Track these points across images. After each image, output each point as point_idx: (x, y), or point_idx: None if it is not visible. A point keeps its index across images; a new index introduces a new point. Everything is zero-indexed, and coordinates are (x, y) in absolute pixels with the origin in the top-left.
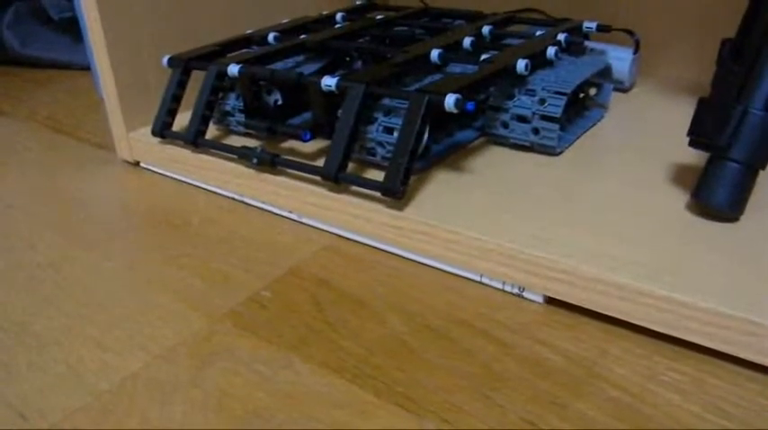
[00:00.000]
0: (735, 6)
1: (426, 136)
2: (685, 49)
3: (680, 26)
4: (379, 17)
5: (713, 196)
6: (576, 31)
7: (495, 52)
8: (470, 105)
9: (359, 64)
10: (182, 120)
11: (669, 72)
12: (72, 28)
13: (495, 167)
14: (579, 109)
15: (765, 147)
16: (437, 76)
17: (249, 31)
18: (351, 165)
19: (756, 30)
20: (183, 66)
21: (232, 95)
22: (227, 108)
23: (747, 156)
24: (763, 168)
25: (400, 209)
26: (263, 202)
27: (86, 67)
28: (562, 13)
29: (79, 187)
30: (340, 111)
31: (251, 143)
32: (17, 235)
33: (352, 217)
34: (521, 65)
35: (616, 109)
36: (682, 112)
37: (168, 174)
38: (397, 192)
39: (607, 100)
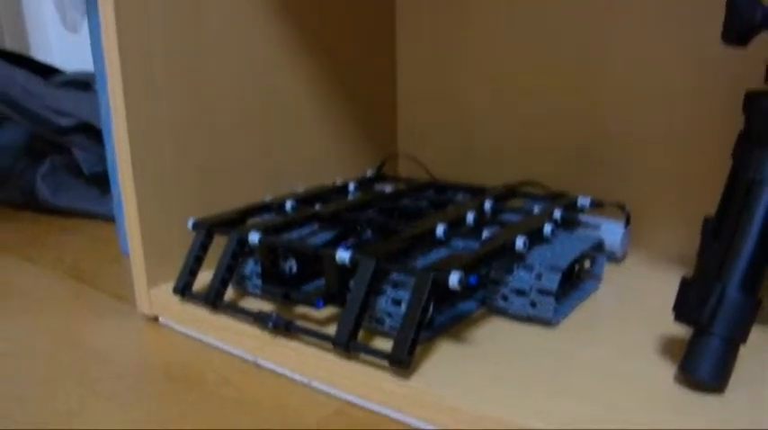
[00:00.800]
0: (721, 182)
1: (431, 308)
2: (675, 221)
3: (669, 200)
4: (387, 189)
5: (698, 369)
6: (570, 207)
7: (496, 227)
8: (473, 280)
9: (369, 234)
10: (201, 278)
11: (660, 243)
12: (99, 181)
13: (496, 338)
14: (574, 281)
15: (744, 322)
16: (442, 250)
17: (268, 198)
18: (360, 333)
19: (732, 210)
20: (207, 230)
21: (250, 260)
22: (246, 272)
23: (728, 331)
24: (744, 342)
25: (407, 377)
26: (276, 365)
27: (111, 218)
28: (558, 184)
29: (100, 338)
30: (352, 283)
31: (266, 305)
32: (36, 381)
33: (360, 383)
34: (519, 243)
35: (609, 280)
36: (671, 283)
37: (186, 331)
38: (404, 362)
39: (600, 272)
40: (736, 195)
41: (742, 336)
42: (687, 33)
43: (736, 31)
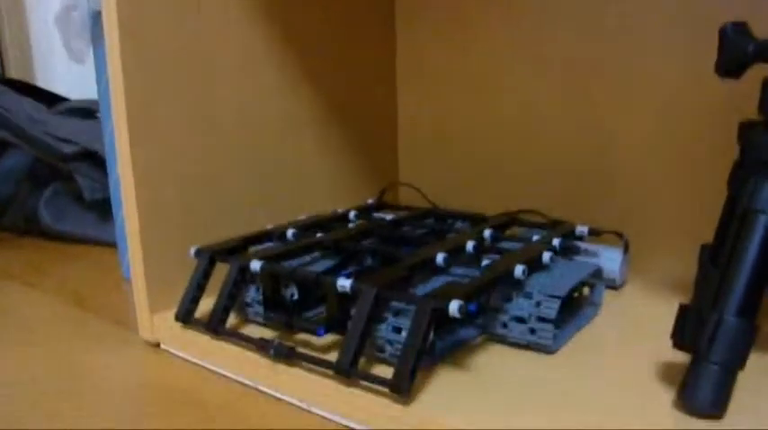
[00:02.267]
0: (719, 211)
1: (432, 335)
2: (673, 249)
3: (668, 228)
4: (388, 217)
5: (696, 396)
6: (569, 235)
7: (496, 256)
8: (473, 307)
9: (369, 261)
10: (203, 305)
11: (658, 270)
12: (101, 207)
13: (495, 365)
14: (573, 308)
15: (742, 349)
16: (442, 278)
17: (269, 227)
18: (361, 360)
19: (729, 237)
20: (209, 257)
21: (252, 287)
22: (248, 299)
23: (725, 358)
24: (742, 369)
25: (407, 404)
26: (277, 391)
27: (112, 244)
28: (557, 212)
29: (101, 364)
30: (353, 311)
31: (267, 332)
32: (38, 406)
33: (360, 409)
34: (518, 271)
35: (608, 306)
36: (670, 309)
37: (188, 357)
38: (404, 389)
39: (599, 299)
40: (732, 223)
41: (740, 363)
42: (688, 65)
43: (729, 64)
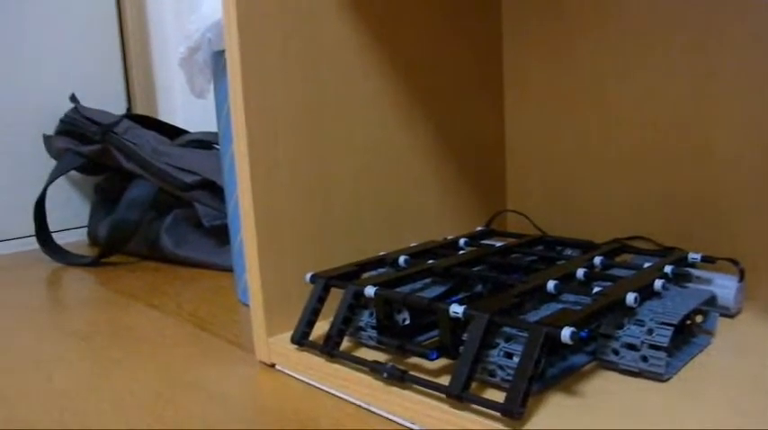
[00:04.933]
0: None
1: (543, 361)
2: None
3: None
4: (498, 244)
5: None
6: (682, 262)
7: (607, 283)
8: (584, 334)
9: (480, 287)
10: (317, 329)
11: None
12: (219, 233)
13: (606, 392)
14: (686, 336)
15: None
16: (553, 305)
17: (382, 253)
18: (473, 384)
19: None
20: (324, 283)
21: (366, 312)
22: (361, 324)
23: None
24: None
25: (519, 428)
26: (388, 412)
27: (228, 269)
28: (667, 239)
29: (220, 382)
30: (465, 336)
31: (379, 355)
32: (160, 422)
33: None
34: (630, 298)
35: (722, 335)
36: None
37: (302, 378)
38: (516, 413)
39: (713, 327)
40: None
41: None
42: None
43: None
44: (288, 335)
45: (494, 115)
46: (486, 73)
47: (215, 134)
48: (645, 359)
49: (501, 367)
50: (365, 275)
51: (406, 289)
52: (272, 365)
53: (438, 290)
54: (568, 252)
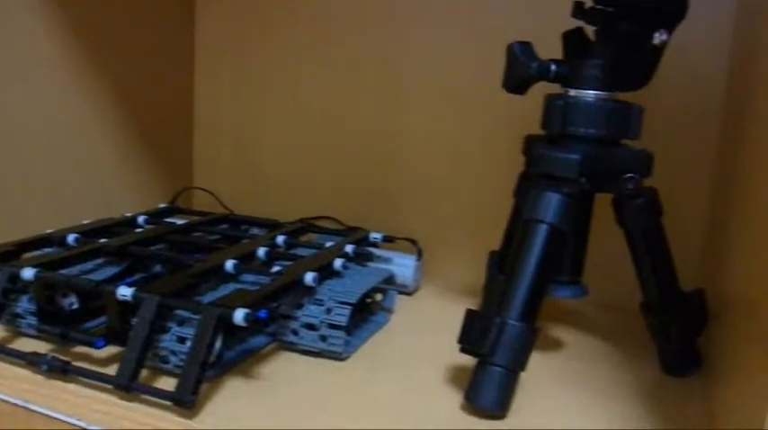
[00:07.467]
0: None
1: (219, 344)
2: (464, 255)
3: (460, 235)
4: (179, 223)
5: (481, 397)
6: (363, 242)
7: (288, 263)
8: (263, 314)
9: (158, 268)
10: None
11: (451, 276)
12: None
13: (285, 374)
14: (366, 314)
15: (523, 352)
16: (231, 286)
17: (49, 231)
18: (144, 372)
19: (513, 245)
20: None
21: (24, 297)
22: (19, 310)
23: (508, 361)
24: (523, 370)
25: (191, 417)
26: (52, 410)
27: None
28: (353, 220)
29: None
30: (134, 320)
31: (42, 346)
32: None
33: (141, 425)
34: (309, 277)
35: (401, 312)
36: (461, 314)
37: None
38: (187, 402)
39: (392, 305)
40: (516, 231)
41: (521, 365)
42: (476, 77)
43: (515, 81)
44: None
45: (182, 92)
46: (177, 50)
47: None
48: (324, 339)
49: (174, 352)
50: (26, 256)
51: (74, 270)
52: None
53: (112, 271)
54: (255, 231)
